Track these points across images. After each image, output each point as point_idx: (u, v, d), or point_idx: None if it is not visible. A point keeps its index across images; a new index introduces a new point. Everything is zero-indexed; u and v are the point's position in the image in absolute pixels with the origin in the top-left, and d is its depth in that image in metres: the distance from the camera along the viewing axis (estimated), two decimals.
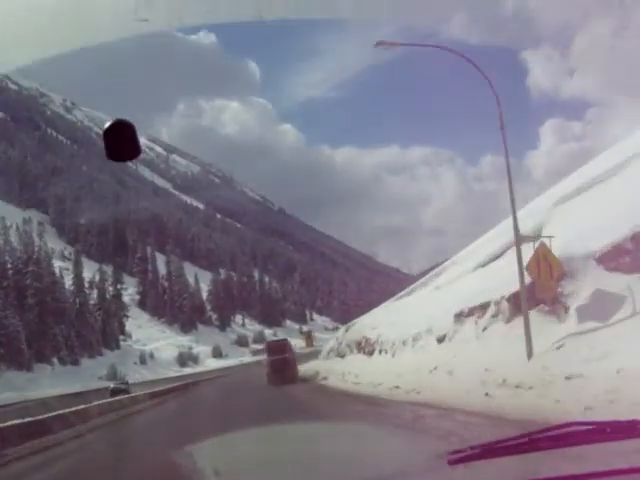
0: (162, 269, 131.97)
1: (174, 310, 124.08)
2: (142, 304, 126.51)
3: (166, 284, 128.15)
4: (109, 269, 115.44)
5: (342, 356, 46.79)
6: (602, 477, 2.24)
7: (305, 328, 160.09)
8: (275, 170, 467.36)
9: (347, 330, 52.33)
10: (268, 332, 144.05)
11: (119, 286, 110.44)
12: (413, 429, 11.03)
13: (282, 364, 40.13)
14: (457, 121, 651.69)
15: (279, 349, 43.84)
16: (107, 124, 3.28)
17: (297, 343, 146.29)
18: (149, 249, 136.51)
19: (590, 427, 2.61)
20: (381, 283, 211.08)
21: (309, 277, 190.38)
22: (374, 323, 45.19)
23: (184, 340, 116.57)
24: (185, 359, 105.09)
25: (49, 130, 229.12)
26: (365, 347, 42.58)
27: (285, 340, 49.47)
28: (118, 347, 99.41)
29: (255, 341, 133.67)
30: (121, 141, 3.30)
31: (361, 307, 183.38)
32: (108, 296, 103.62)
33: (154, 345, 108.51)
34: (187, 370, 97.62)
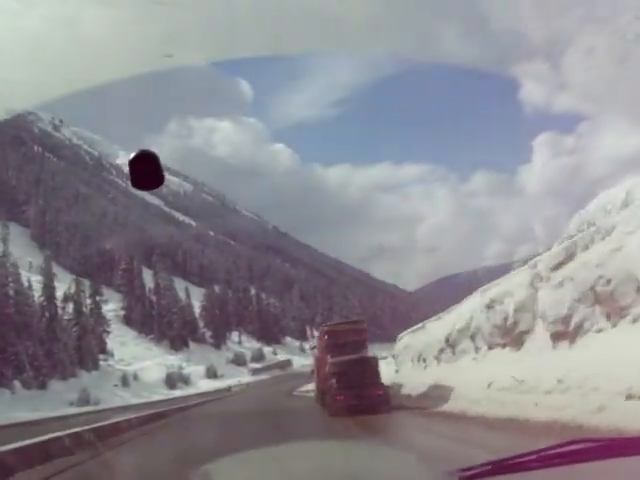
0: (150, 283, 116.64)
1: (163, 326, 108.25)
2: (127, 320, 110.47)
3: (154, 298, 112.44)
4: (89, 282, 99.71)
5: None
6: None
7: (311, 344, 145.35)
8: (268, 189, 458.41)
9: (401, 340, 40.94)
10: (267, 350, 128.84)
11: (98, 298, 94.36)
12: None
13: (359, 372, 24.23)
14: (449, 138, 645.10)
15: (350, 340, 26.87)
16: (132, 154, 3.28)
17: (299, 361, 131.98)
18: (135, 262, 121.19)
19: (599, 444, 2.57)
20: (381, 299, 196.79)
21: (308, 292, 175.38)
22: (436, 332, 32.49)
23: (174, 359, 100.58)
24: (174, 380, 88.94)
25: (35, 147, 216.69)
26: (443, 353, 29.59)
27: (360, 322, 31.23)
28: (97, 367, 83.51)
29: (253, 359, 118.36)
30: (145, 171, 3.30)
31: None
32: (86, 310, 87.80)
33: (139, 365, 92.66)
34: (176, 393, 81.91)
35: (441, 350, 29.53)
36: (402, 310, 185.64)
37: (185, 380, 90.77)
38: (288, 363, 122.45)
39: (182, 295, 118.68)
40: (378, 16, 6.00)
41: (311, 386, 69.13)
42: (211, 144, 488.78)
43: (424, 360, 32.02)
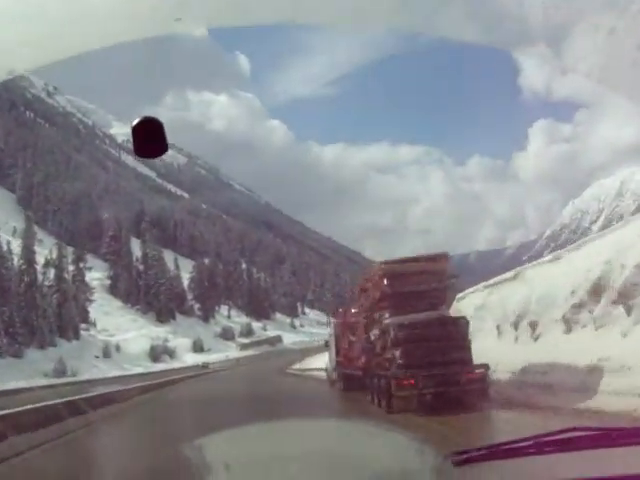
0: (138, 253, 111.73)
1: (149, 297, 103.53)
2: (113, 289, 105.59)
3: (141, 268, 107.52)
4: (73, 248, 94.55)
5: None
6: None
7: (297, 322, 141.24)
8: (263, 165, 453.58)
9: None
10: (256, 325, 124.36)
11: (82, 265, 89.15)
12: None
13: (440, 341, 16.11)
14: (447, 121, 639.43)
15: (422, 289, 17.63)
16: (135, 120, 3.00)
17: (289, 337, 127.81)
18: (124, 231, 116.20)
19: (596, 432, 2.52)
20: None
21: (299, 269, 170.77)
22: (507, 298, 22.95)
23: (160, 331, 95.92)
24: (159, 353, 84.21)
25: (27, 112, 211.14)
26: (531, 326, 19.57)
27: (440, 257, 19.32)
28: (77, 337, 78.76)
29: (242, 334, 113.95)
30: (149, 138, 3.03)
31: None
32: (68, 276, 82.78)
33: (123, 336, 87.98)
34: (160, 366, 77.38)
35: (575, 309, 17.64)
36: None
37: (170, 353, 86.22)
38: (278, 339, 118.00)
39: (171, 266, 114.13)
40: None
41: (306, 363, 65.26)
42: (207, 117, 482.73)
43: (532, 327, 19.70)
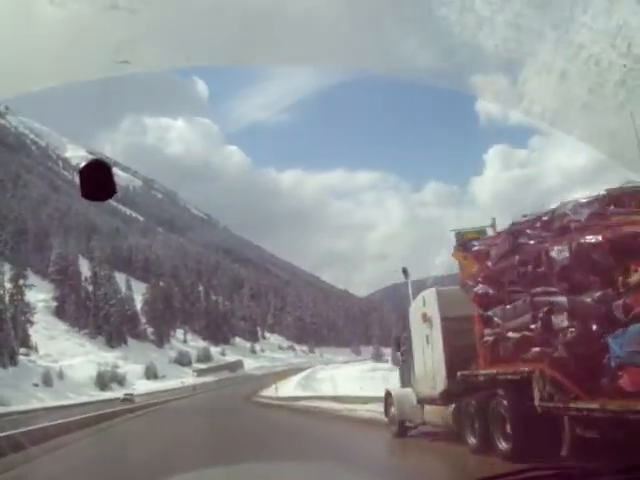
0: (88, 273, 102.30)
1: (99, 320, 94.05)
2: (59, 312, 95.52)
3: (90, 288, 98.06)
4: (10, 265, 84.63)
5: None
6: None
7: (258, 347, 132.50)
8: (221, 190, 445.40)
9: None
10: (215, 350, 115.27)
11: (22, 282, 79.05)
12: None
13: None
14: (402, 147, 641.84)
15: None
16: (83, 163, 3.07)
17: (250, 363, 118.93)
18: (72, 249, 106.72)
19: (555, 471, 2.46)
20: (334, 302, 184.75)
21: (259, 292, 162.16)
22: None
23: (109, 357, 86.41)
24: (107, 380, 74.71)
25: None
26: None
27: None
28: (14, 363, 68.98)
29: (199, 360, 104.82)
30: (97, 180, 3.08)
31: (318, 324, 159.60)
32: (4, 294, 73.01)
33: (68, 362, 78.30)
34: (106, 395, 68.03)
35: None
36: (355, 314, 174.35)
37: (120, 380, 76.78)
38: (239, 364, 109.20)
39: (123, 288, 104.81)
40: (337, 25, 6.00)
41: (272, 391, 57.18)
42: (164, 142, 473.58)
43: None
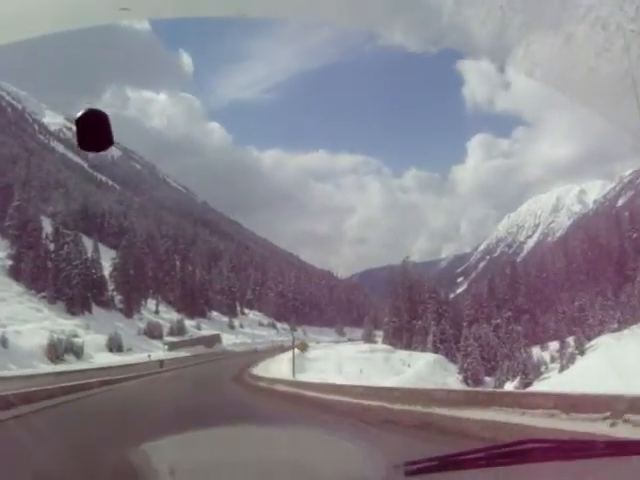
0: (49, 230, 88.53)
1: (59, 282, 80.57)
2: (14, 272, 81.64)
3: (51, 247, 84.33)
4: None
5: None
6: None
7: (236, 322, 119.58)
8: (201, 166, 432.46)
9: None
10: (189, 323, 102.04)
11: None
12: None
13: None
14: (386, 131, 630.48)
15: None
16: (79, 113, 2.92)
17: (228, 338, 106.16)
18: (33, 204, 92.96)
19: (549, 444, 2.49)
20: (317, 281, 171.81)
21: (239, 265, 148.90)
22: None
23: (68, 324, 72.76)
24: (60, 351, 61.13)
25: None
26: None
27: None
28: None
29: (172, 333, 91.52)
30: (94, 130, 2.91)
31: (301, 301, 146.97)
32: None
33: (17, 328, 64.93)
34: (61, 367, 54.73)
35: None
36: (340, 294, 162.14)
37: (77, 352, 63.22)
38: (217, 338, 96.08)
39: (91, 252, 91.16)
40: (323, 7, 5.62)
41: (275, 369, 44.78)
42: (146, 115, 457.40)
43: None
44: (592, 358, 49.26)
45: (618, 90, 5.25)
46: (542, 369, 53.63)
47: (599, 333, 61.57)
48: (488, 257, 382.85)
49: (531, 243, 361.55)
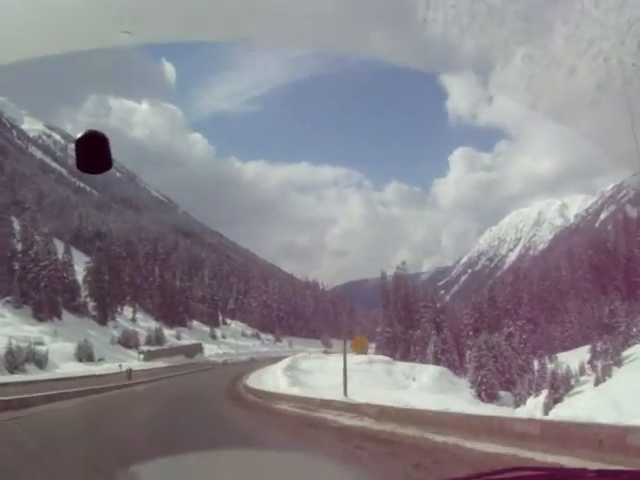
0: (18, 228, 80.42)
1: (25, 285, 72.49)
2: None
3: (19, 247, 76.26)
4: None
5: None
6: None
7: (219, 332, 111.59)
8: (182, 177, 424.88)
9: None
10: (168, 332, 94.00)
11: None
12: None
13: None
14: (368, 144, 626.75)
15: None
16: (79, 134, 2.92)
17: (210, 348, 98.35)
18: (3, 203, 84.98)
19: (539, 472, 2.42)
20: (299, 291, 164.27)
21: (220, 274, 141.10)
22: None
23: (33, 331, 64.70)
24: (20, 359, 52.90)
25: None
26: None
27: None
28: None
29: (149, 342, 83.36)
30: (93, 152, 2.95)
31: (285, 312, 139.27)
32: None
33: None
34: (15, 378, 46.70)
35: None
36: (325, 305, 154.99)
37: (39, 361, 55.08)
38: (198, 348, 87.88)
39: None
40: (310, 9, 5.51)
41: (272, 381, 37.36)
42: (128, 125, 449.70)
43: None
44: (632, 369, 42.73)
45: (619, 123, 5.09)
46: (572, 382, 46.76)
47: (626, 341, 55.45)
48: (470, 270, 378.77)
49: (513, 256, 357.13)
